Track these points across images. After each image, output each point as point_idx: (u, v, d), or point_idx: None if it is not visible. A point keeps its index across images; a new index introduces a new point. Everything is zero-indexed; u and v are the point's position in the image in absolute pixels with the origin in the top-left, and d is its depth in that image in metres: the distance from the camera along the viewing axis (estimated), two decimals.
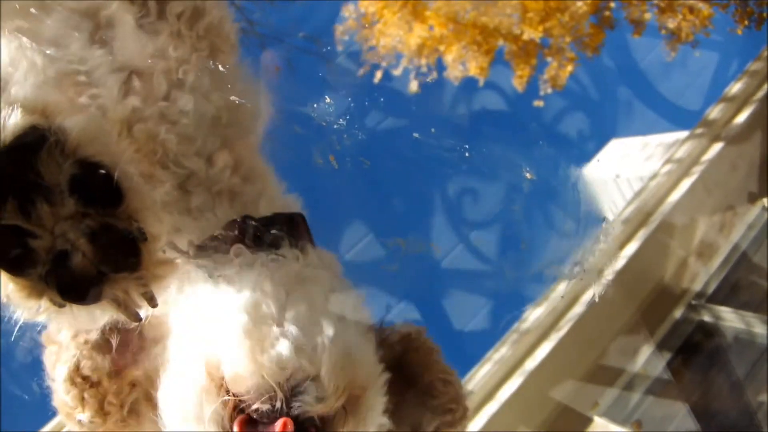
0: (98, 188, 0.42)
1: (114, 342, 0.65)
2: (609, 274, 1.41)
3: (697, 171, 1.82)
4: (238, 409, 0.53)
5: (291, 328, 0.55)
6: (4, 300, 0.42)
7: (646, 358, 1.54)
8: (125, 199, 0.43)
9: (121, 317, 0.46)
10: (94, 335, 0.64)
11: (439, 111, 1.99)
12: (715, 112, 1.99)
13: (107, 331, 0.64)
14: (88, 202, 0.42)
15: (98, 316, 0.45)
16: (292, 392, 0.53)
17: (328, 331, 0.56)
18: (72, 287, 0.42)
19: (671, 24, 2.37)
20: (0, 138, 0.39)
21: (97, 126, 0.43)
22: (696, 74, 2.07)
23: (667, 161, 1.87)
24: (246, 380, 0.53)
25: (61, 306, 0.43)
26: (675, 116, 2.08)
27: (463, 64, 2.46)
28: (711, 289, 1.72)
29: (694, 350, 1.56)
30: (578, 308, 1.55)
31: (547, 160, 1.87)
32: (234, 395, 0.53)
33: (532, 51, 2.44)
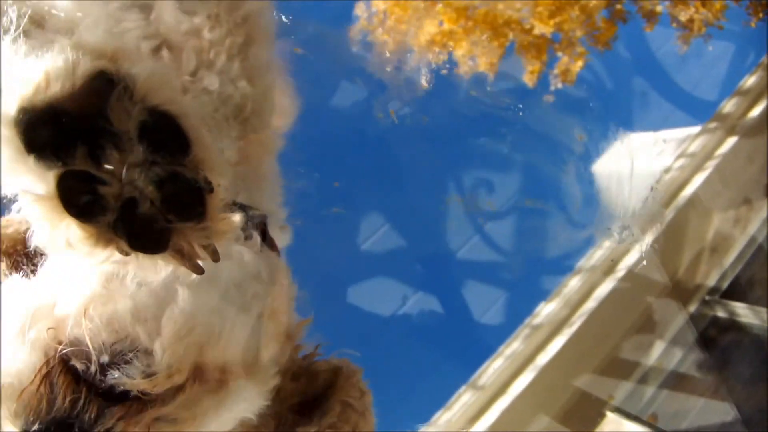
0: (166, 136, 0.42)
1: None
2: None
3: (711, 165, 1.80)
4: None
5: (143, 292, 0.51)
6: (66, 248, 0.42)
7: (660, 353, 1.53)
8: (192, 149, 0.43)
9: (183, 268, 0.45)
10: None
11: (452, 104, 1.99)
12: (729, 105, 1.97)
13: None
14: (157, 149, 0.41)
15: (161, 266, 0.45)
16: (115, 359, 0.49)
17: (185, 304, 0.52)
18: (141, 235, 0.42)
19: (683, 17, 2.35)
20: (69, 81, 0.38)
21: (164, 75, 0.43)
22: (712, 65, 2.05)
23: (681, 155, 1.85)
24: (70, 329, 0.50)
25: (126, 254, 0.42)
26: (691, 108, 2.06)
27: (472, 59, 2.45)
28: (725, 285, 1.71)
29: (708, 345, 1.55)
30: (591, 303, 1.54)
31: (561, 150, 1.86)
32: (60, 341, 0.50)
33: (542, 46, 2.42)
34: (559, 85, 2.39)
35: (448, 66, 2.36)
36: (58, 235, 0.41)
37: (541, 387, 1.47)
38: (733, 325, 1.63)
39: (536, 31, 2.38)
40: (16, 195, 0.43)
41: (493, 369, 1.48)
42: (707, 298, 1.68)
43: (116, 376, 0.49)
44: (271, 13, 0.68)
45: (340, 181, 1.55)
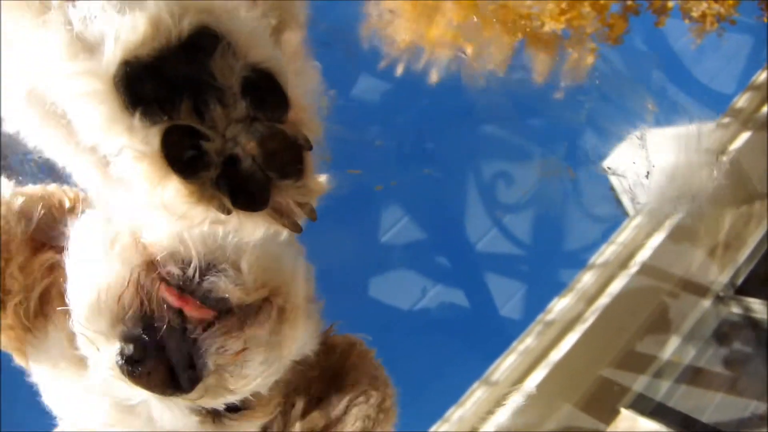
0: (267, 93, 0.41)
1: (38, 212, 0.61)
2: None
3: (725, 160, 1.79)
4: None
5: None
6: (161, 208, 0.41)
7: (674, 350, 1.52)
8: (291, 107, 0.42)
9: (281, 227, 0.45)
10: (19, 200, 0.61)
11: (464, 101, 1.99)
12: (742, 100, 1.95)
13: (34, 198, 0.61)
14: (259, 106, 0.41)
15: (261, 225, 0.44)
16: (209, 267, 0.50)
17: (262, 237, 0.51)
18: (243, 192, 0.41)
19: (695, 13, 2.33)
20: (175, 34, 0.38)
21: (262, 32, 0.42)
22: (726, 60, 2.03)
23: (696, 151, 1.84)
24: (165, 244, 0.50)
25: (227, 213, 0.42)
26: (705, 103, 2.05)
27: (482, 56, 2.45)
28: (740, 281, 1.69)
29: (722, 342, 1.54)
30: (604, 299, 1.54)
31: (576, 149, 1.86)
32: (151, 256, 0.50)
33: (553, 42, 2.42)
34: (569, 82, 2.38)
35: (458, 63, 2.36)
36: (157, 194, 0.40)
37: (554, 383, 1.47)
38: (748, 322, 1.62)
39: (547, 28, 2.38)
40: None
41: (506, 365, 1.48)
42: (721, 294, 1.67)
43: (213, 280, 0.49)
44: None
45: (357, 175, 1.56)
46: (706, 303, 1.61)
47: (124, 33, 0.38)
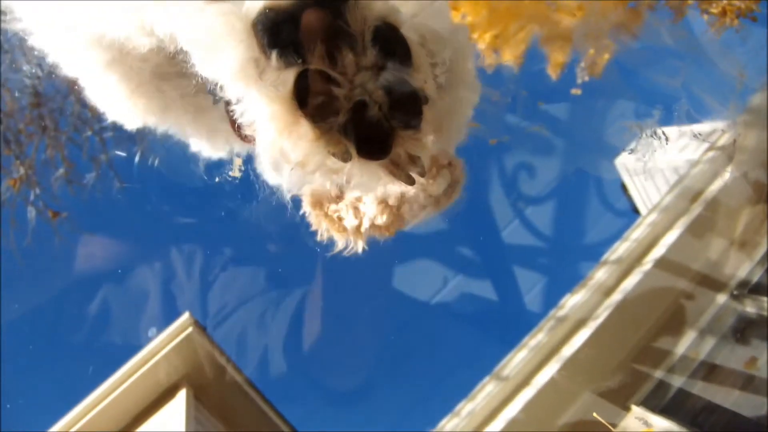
0: (395, 45, 0.42)
1: None
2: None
3: (741, 159, 1.77)
4: None
5: None
6: (287, 158, 0.41)
7: (687, 347, 1.51)
8: (413, 61, 0.42)
9: (396, 180, 0.44)
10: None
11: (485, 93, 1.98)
12: (757, 98, 1.93)
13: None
14: (387, 55, 0.41)
15: (377, 176, 0.44)
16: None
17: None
18: (368, 139, 0.41)
19: (714, 9, 2.30)
20: None
21: None
22: (756, 53, 2.01)
23: (710, 148, 1.82)
24: None
25: (347, 160, 0.42)
26: (723, 101, 2.02)
27: (497, 51, 2.44)
28: (754, 279, 1.67)
29: (738, 339, 1.52)
30: (617, 296, 1.53)
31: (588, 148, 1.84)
32: None
33: (568, 38, 2.40)
34: (586, 78, 2.36)
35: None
36: (284, 137, 0.40)
37: (566, 379, 1.46)
38: (762, 320, 1.60)
39: (562, 24, 2.36)
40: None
41: (517, 360, 1.48)
42: (735, 292, 1.65)
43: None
44: None
45: None
46: (721, 300, 1.59)
47: None
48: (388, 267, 1.43)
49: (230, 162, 0.76)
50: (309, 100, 0.40)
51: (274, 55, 0.39)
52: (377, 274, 1.44)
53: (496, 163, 1.68)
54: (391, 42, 0.41)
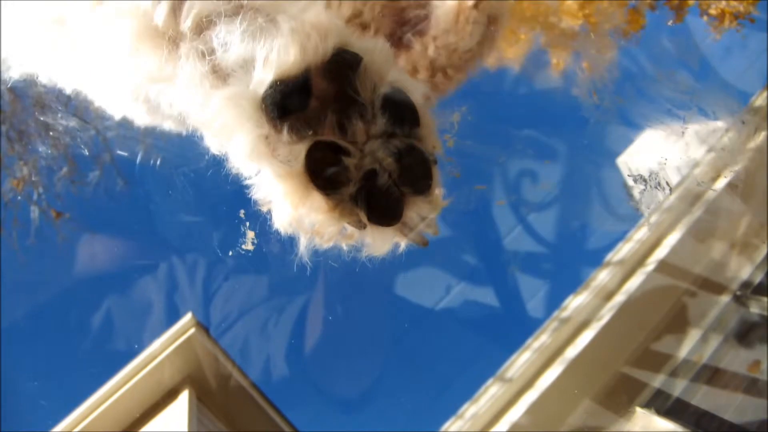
0: (402, 110, 0.42)
1: None
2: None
3: (743, 159, 1.77)
4: None
5: None
6: (300, 227, 0.42)
7: (692, 348, 1.51)
8: (420, 124, 0.43)
9: (407, 241, 0.46)
10: None
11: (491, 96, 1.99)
12: (761, 99, 1.93)
13: None
14: (396, 122, 0.42)
15: (389, 239, 0.45)
16: None
17: None
18: (379, 207, 0.42)
19: (714, 10, 2.31)
20: (321, 54, 0.39)
21: (390, 53, 0.44)
22: (757, 56, 2.01)
23: (711, 149, 1.82)
24: None
25: (362, 228, 0.43)
26: (730, 100, 2.02)
27: (498, 51, 2.44)
28: (757, 280, 1.68)
29: (742, 341, 1.52)
30: (620, 297, 1.53)
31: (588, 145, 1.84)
32: None
33: (568, 38, 2.40)
34: (587, 78, 2.37)
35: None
36: (299, 211, 0.41)
37: (569, 381, 1.46)
38: (764, 321, 1.60)
39: (564, 25, 2.37)
40: None
41: (521, 362, 1.47)
42: (738, 293, 1.65)
43: None
44: None
45: None
46: (725, 301, 1.59)
47: (275, 55, 0.38)
48: (392, 274, 1.44)
49: (242, 235, 0.75)
50: (321, 171, 0.40)
51: (284, 129, 0.40)
52: (380, 281, 1.44)
53: (499, 171, 1.68)
54: (399, 107, 0.42)
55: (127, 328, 1.71)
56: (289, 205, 0.41)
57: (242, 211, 0.77)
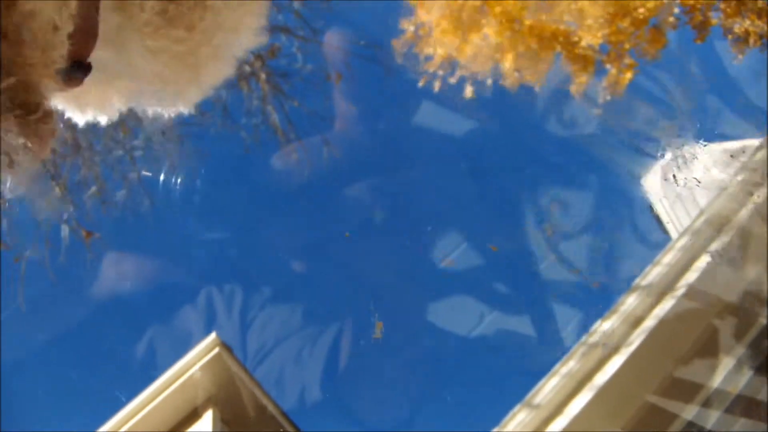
0: None
1: None
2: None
3: None
4: None
5: None
6: None
7: (725, 375, 1.47)
8: None
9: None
10: None
11: (505, 117, 1.99)
12: None
13: None
14: None
15: None
16: None
17: None
18: None
19: (737, 29, 2.30)
20: None
21: None
22: None
23: (742, 168, 1.79)
24: None
25: None
26: (755, 121, 2.00)
27: (519, 71, 2.45)
28: None
29: None
30: (650, 322, 1.50)
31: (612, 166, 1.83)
32: None
33: (590, 57, 2.40)
34: (608, 98, 2.36)
35: (493, 78, 2.35)
36: None
37: (598, 409, 1.43)
38: None
39: (584, 43, 2.37)
40: None
41: (548, 389, 1.45)
42: None
43: None
44: None
45: (416, 199, 1.56)
46: (759, 328, 1.56)
47: None
48: (424, 303, 1.44)
49: None
50: None
51: None
52: (414, 309, 1.44)
53: (530, 199, 1.68)
54: None
55: (152, 347, 1.72)
56: None
57: None
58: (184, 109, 0.77)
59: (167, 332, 1.67)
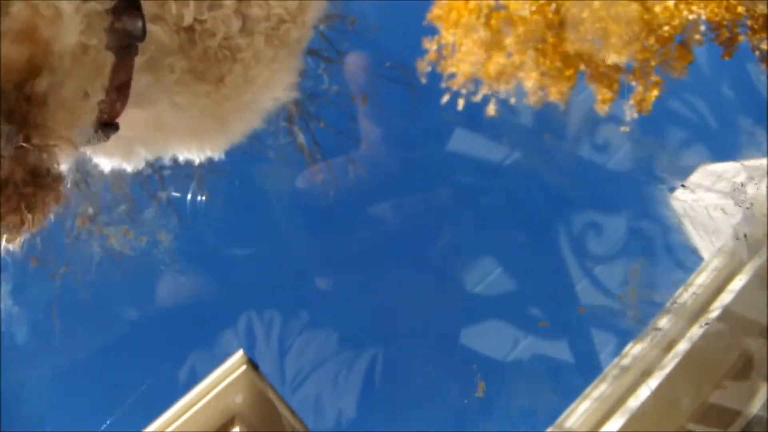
0: None
1: None
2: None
3: None
4: None
5: None
6: None
7: (764, 403, 1.42)
8: None
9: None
10: None
11: (525, 137, 1.99)
12: None
13: None
14: None
15: None
16: None
17: None
18: None
19: (765, 46, 2.27)
20: None
21: None
22: None
23: None
24: None
25: None
26: None
27: (543, 89, 2.45)
28: None
29: None
30: (683, 345, 1.46)
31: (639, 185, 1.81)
32: None
33: (614, 75, 2.39)
34: (635, 116, 2.34)
35: (516, 96, 2.36)
36: None
37: None
38: None
39: (609, 61, 2.36)
40: None
41: (579, 412, 1.42)
42: None
43: None
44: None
45: (446, 222, 1.57)
46: None
47: None
48: (457, 328, 1.43)
49: None
50: None
51: None
52: (447, 335, 1.44)
53: (563, 224, 1.67)
54: None
55: (178, 365, 1.74)
56: None
57: None
58: (213, 155, 0.79)
59: (191, 349, 1.68)
